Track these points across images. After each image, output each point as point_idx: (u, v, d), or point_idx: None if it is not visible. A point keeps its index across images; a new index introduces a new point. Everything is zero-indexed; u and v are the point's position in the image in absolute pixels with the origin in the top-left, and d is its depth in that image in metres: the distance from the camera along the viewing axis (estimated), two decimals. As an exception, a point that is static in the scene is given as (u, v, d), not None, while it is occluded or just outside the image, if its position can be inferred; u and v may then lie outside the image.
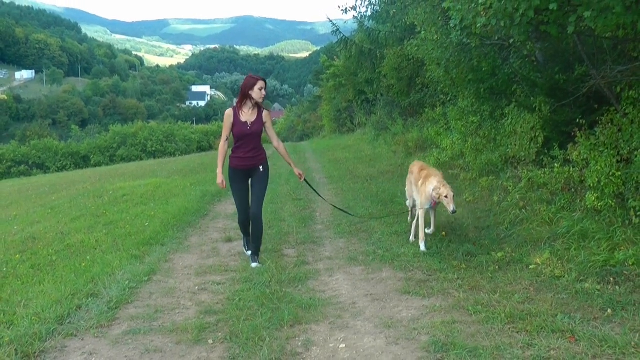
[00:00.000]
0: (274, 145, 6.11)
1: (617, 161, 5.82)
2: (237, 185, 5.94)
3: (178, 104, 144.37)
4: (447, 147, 10.89)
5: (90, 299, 4.90)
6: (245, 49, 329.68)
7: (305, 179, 6.33)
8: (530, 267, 5.16)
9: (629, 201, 5.42)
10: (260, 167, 5.94)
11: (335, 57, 30.48)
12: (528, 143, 7.81)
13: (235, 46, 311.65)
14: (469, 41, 7.87)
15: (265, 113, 5.90)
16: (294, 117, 61.27)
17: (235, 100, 6.03)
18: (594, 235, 5.37)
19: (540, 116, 7.66)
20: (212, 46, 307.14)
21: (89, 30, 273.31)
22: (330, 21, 20.20)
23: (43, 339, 4.02)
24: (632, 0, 4.45)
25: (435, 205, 6.09)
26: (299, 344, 3.86)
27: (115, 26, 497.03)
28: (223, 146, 5.97)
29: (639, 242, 4.97)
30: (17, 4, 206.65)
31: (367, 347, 3.76)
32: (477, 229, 6.87)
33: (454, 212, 5.75)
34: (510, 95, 8.62)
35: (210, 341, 3.96)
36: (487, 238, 6.37)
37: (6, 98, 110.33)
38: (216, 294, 5.05)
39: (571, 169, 6.54)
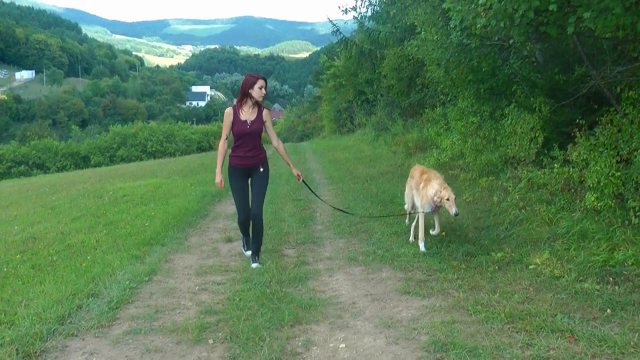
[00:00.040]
0: (274, 144, 6.07)
1: (617, 161, 5.83)
2: (236, 183, 5.90)
3: (178, 104, 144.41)
4: (447, 147, 10.90)
5: (90, 299, 4.91)
6: (245, 49, 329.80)
7: (303, 180, 6.31)
8: (530, 267, 5.17)
9: (629, 201, 5.42)
10: (260, 167, 5.91)
11: (335, 57, 30.50)
12: (528, 143, 7.82)
13: (235, 46, 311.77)
14: (469, 42, 7.89)
15: (265, 112, 5.88)
16: (294, 117, 61.33)
17: (235, 100, 6.01)
18: (593, 235, 5.38)
19: (540, 116, 7.67)
20: (212, 46, 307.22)
21: (89, 31, 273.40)
22: (331, 21, 20.20)
23: (44, 339, 4.03)
24: (631, 1, 4.46)
25: (437, 208, 6.06)
26: (299, 343, 3.87)
27: (115, 26, 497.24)
28: (223, 145, 5.96)
29: (639, 242, 4.98)
30: (17, 4, 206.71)
31: (367, 346, 3.77)
32: (476, 229, 6.88)
33: (456, 214, 5.74)
34: (510, 96, 8.63)
35: (211, 341, 3.97)
36: (486, 238, 6.38)
37: (6, 98, 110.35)
38: (216, 294, 5.06)
39: (571, 169, 6.55)
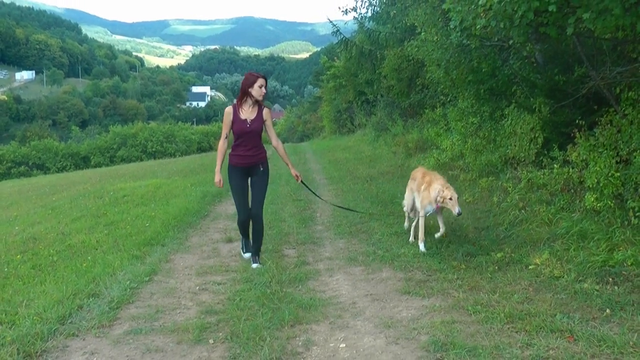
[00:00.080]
0: (273, 144, 6.04)
1: (616, 162, 5.84)
2: (236, 182, 5.85)
3: (178, 105, 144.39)
4: (447, 147, 10.91)
5: (91, 299, 4.92)
6: (245, 50, 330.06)
7: (302, 181, 6.29)
8: (530, 267, 5.18)
9: (628, 202, 5.44)
10: (260, 167, 5.88)
11: (335, 58, 30.53)
12: (528, 144, 7.84)
13: (235, 47, 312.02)
14: (468, 42, 7.90)
15: (265, 111, 5.84)
16: (294, 117, 61.38)
17: (235, 99, 6.00)
18: (593, 235, 5.40)
19: (539, 117, 7.68)
20: (213, 47, 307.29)
21: (89, 31, 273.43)
22: (331, 22, 20.21)
23: (45, 339, 4.04)
24: (630, 2, 4.47)
25: (439, 209, 6.03)
26: (300, 343, 3.88)
27: (115, 27, 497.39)
28: (222, 144, 5.92)
29: (638, 242, 4.99)
30: (17, 4, 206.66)
31: (367, 346, 3.78)
32: (476, 229, 6.90)
33: (459, 214, 5.72)
34: (510, 96, 8.64)
35: (211, 341, 3.98)
36: (486, 238, 6.39)
37: (6, 99, 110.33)
38: (217, 294, 5.07)
39: (570, 169, 6.56)
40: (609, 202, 5.61)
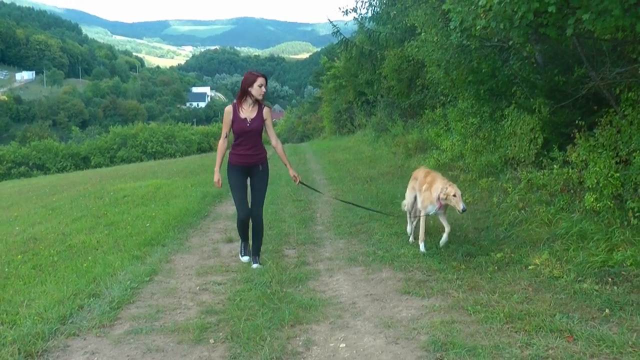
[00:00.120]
0: (272, 144, 5.99)
1: (616, 162, 5.86)
2: (235, 180, 5.80)
3: (178, 105, 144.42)
4: (447, 148, 10.92)
5: (92, 299, 4.93)
6: (245, 50, 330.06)
7: (301, 181, 6.19)
8: (529, 267, 5.19)
9: (628, 202, 5.45)
10: (260, 166, 5.84)
11: (335, 58, 30.56)
12: (527, 144, 7.85)
13: (235, 47, 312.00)
14: (468, 43, 7.92)
15: (265, 110, 5.77)
16: (294, 118, 61.37)
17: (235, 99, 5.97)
18: (592, 236, 5.41)
19: (539, 117, 7.70)
20: (213, 47, 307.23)
21: (89, 31, 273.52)
22: (331, 22, 20.23)
23: (46, 339, 4.05)
24: (630, 2, 4.48)
25: (442, 207, 5.97)
26: (300, 343, 3.89)
27: (115, 27, 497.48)
28: (222, 144, 5.88)
29: (637, 242, 5.01)
30: (17, 4, 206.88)
31: (367, 346, 3.79)
32: (476, 229, 6.91)
33: (464, 210, 5.67)
34: (510, 97, 8.65)
35: (212, 341, 3.99)
36: (486, 239, 6.40)
37: (6, 99, 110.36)
38: (217, 294, 5.08)
39: (570, 170, 6.57)
40: (609, 203, 5.62)
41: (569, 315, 4.01)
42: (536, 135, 7.72)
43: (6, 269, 7.08)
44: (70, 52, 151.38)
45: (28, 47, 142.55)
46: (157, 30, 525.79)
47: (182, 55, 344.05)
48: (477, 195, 8.24)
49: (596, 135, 6.31)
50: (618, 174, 5.65)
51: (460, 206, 5.64)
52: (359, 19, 19.43)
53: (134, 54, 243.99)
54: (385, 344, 3.80)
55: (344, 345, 3.83)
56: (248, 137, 5.72)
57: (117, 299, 4.89)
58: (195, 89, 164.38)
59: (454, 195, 5.70)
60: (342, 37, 20.19)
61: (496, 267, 5.33)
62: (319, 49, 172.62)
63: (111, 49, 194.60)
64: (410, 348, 3.71)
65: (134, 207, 10.52)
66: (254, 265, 5.85)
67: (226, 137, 5.85)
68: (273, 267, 5.67)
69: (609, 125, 6.22)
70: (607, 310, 4.05)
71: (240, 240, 6.31)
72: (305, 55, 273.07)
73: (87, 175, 26.68)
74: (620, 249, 5.03)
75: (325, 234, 7.43)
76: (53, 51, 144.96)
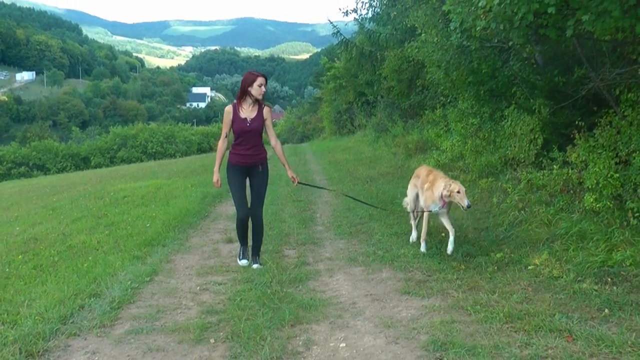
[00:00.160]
0: (272, 144, 5.96)
1: (616, 163, 5.87)
2: (234, 178, 5.77)
3: (178, 106, 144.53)
4: (447, 148, 10.93)
5: (92, 299, 4.94)
6: (245, 51, 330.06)
7: (300, 181, 6.16)
8: (529, 267, 5.20)
9: (627, 202, 5.46)
10: (259, 167, 5.82)
11: (335, 58, 30.57)
12: (527, 145, 7.86)
13: (235, 48, 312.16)
14: (469, 44, 7.94)
15: (266, 110, 5.75)
16: (294, 118, 61.34)
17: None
18: (592, 236, 5.42)
19: (539, 118, 7.71)
20: (213, 48, 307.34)
21: (89, 32, 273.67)
22: (331, 23, 20.26)
23: (46, 339, 4.05)
24: (629, 3, 4.49)
25: (445, 205, 5.87)
26: (300, 343, 3.90)
27: (116, 27, 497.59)
28: (222, 144, 5.85)
29: (637, 243, 5.01)
30: (18, 5, 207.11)
31: (367, 346, 3.80)
32: (476, 230, 6.92)
33: (469, 206, 5.58)
34: (510, 97, 8.66)
35: (212, 340, 4.00)
36: (486, 239, 6.41)
37: (7, 99, 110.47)
38: (217, 294, 5.09)
39: (570, 170, 6.58)
40: (608, 203, 5.63)
41: (569, 315, 4.02)
42: (536, 136, 7.73)
43: (7, 269, 7.10)
44: (70, 53, 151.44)
45: (28, 48, 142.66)
46: (157, 30, 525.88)
47: (182, 55, 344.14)
48: (477, 195, 8.25)
49: (596, 135, 6.32)
50: (618, 175, 5.66)
51: (464, 202, 5.55)
52: (359, 20, 19.46)
53: (134, 54, 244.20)
54: (385, 344, 3.81)
55: (344, 345, 3.84)
56: (248, 137, 5.70)
57: (117, 299, 4.89)
58: (195, 90, 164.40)
59: (458, 192, 5.61)
60: (342, 37, 20.22)
61: (496, 267, 5.34)
62: (319, 50, 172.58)
63: (111, 49, 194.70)
64: (410, 348, 3.72)
65: (134, 208, 10.53)
66: (254, 266, 5.85)
67: (226, 137, 5.83)
68: (273, 267, 5.67)
69: (608, 126, 6.23)
70: (606, 310, 4.06)
71: (239, 246, 6.21)
72: (305, 56, 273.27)
73: (87, 175, 26.70)
74: (620, 249, 5.04)
75: (325, 234, 7.44)
76: (53, 51, 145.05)
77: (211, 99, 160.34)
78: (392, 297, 4.78)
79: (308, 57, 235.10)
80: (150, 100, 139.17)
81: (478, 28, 5.68)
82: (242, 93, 5.70)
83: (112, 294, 5.02)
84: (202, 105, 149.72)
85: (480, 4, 5.32)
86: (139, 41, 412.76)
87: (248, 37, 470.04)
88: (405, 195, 6.90)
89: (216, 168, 5.85)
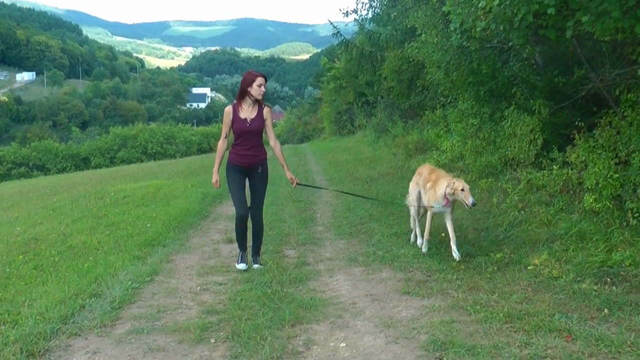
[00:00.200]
0: (271, 144, 5.91)
1: (615, 163, 5.87)
2: (233, 177, 5.73)
3: (178, 106, 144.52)
4: (447, 149, 10.94)
5: (93, 299, 4.95)
6: (245, 51, 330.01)
7: (299, 182, 6.09)
8: (529, 267, 5.21)
9: (627, 203, 5.47)
10: (259, 168, 5.79)
11: (335, 59, 30.60)
12: (527, 145, 7.87)
13: (235, 48, 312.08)
14: (468, 44, 7.95)
15: (266, 110, 5.72)
16: (294, 119, 61.34)
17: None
18: (591, 236, 5.43)
19: (539, 118, 7.72)
20: (213, 48, 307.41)
21: (89, 32, 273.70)
22: (331, 23, 20.27)
23: (47, 338, 4.06)
24: (629, 4, 4.50)
25: (449, 203, 5.78)
26: (300, 342, 3.91)
27: (116, 28, 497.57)
28: (222, 144, 5.84)
29: (636, 243, 5.02)
30: (18, 5, 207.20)
31: (367, 346, 3.81)
32: (476, 230, 6.93)
33: (473, 204, 5.51)
34: (510, 98, 8.67)
35: (213, 340, 4.01)
36: (486, 239, 6.42)
37: (7, 100, 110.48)
38: (218, 294, 5.10)
39: (570, 171, 6.59)
40: (608, 203, 5.64)
41: (568, 315, 4.03)
42: (536, 136, 7.74)
43: (7, 269, 7.12)
44: (70, 53, 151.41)
45: (28, 48, 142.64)
46: (157, 31, 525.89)
47: (182, 56, 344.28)
48: (477, 195, 8.23)
49: (596, 136, 6.33)
50: (617, 175, 5.66)
51: (469, 200, 5.49)
52: (360, 20, 19.47)
53: (134, 54, 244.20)
54: (385, 344, 3.82)
55: (344, 344, 3.85)
56: (248, 138, 5.68)
57: (118, 298, 4.90)
58: (195, 90, 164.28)
59: (462, 190, 5.54)
60: (342, 38, 20.22)
61: (496, 268, 5.35)
62: (319, 50, 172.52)
63: (111, 49, 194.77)
64: (410, 347, 3.73)
65: (135, 208, 10.55)
66: (255, 266, 5.86)
67: (226, 137, 5.81)
68: (273, 268, 5.69)
69: (608, 126, 6.24)
70: (605, 310, 4.07)
71: (238, 248, 6.05)
72: (305, 56, 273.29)
73: (87, 175, 26.71)
74: (619, 249, 5.05)
75: (325, 234, 7.45)
76: (53, 52, 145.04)
77: (211, 99, 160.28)
78: (392, 297, 4.79)
79: (308, 57, 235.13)
80: (150, 101, 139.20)
81: (478, 29, 5.69)
82: (242, 93, 5.68)
83: (113, 294, 5.03)
84: (202, 105, 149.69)
85: (480, 5, 5.33)
86: (139, 42, 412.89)
87: (248, 38, 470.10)
88: (408, 193, 6.85)
89: (215, 169, 5.83)
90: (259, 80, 5.61)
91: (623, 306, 4.11)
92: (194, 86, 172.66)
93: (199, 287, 5.31)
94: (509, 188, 7.54)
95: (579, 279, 4.77)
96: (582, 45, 7.03)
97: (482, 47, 8.44)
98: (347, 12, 19.05)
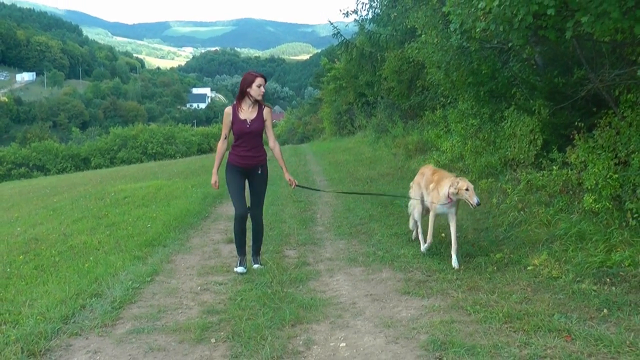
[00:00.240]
0: (270, 145, 5.87)
1: (615, 164, 5.88)
2: (232, 177, 5.71)
3: (178, 106, 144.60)
4: (446, 149, 10.95)
5: (94, 299, 4.96)
6: (246, 52, 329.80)
7: (297, 184, 6.01)
8: (528, 268, 5.22)
9: (626, 203, 5.47)
10: (259, 169, 5.75)
11: (335, 59, 30.59)
12: (527, 146, 7.88)
13: (236, 48, 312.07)
14: (468, 45, 7.96)
15: (266, 111, 5.68)
16: (294, 119, 61.34)
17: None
18: (591, 236, 5.44)
19: (539, 119, 7.72)
20: (213, 48, 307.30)
21: (90, 33, 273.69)
22: (331, 24, 20.27)
23: (48, 338, 4.07)
24: (628, 5, 4.51)
25: (452, 203, 5.68)
26: (300, 342, 3.92)
27: (116, 28, 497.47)
28: (222, 145, 5.81)
29: (636, 243, 5.03)
30: (18, 6, 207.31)
31: (367, 345, 3.82)
32: (476, 230, 6.94)
33: (478, 203, 5.42)
34: (510, 98, 8.68)
35: (213, 340, 4.02)
36: (485, 239, 6.43)
37: (7, 100, 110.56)
38: (218, 294, 5.11)
39: (569, 171, 6.60)
40: (607, 204, 5.65)
41: (568, 315, 4.04)
42: (536, 137, 7.74)
43: (8, 269, 7.13)
44: (70, 54, 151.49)
45: (28, 49, 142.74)
46: (157, 31, 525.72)
47: (182, 56, 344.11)
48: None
49: (595, 136, 6.33)
50: (617, 175, 5.67)
51: (474, 200, 5.40)
52: (360, 21, 19.47)
53: (135, 55, 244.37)
54: (385, 344, 3.83)
55: (344, 344, 3.86)
56: (248, 139, 5.64)
57: (119, 298, 4.92)
58: (195, 90, 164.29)
59: (467, 189, 5.44)
60: (342, 38, 20.22)
61: (495, 268, 5.36)
62: (319, 51, 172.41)
63: (111, 50, 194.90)
64: (409, 347, 3.74)
65: (135, 208, 10.56)
66: (255, 266, 5.87)
67: (225, 138, 5.79)
68: (274, 268, 5.70)
69: (608, 127, 6.25)
70: (605, 310, 4.08)
71: (237, 255, 5.90)
72: (305, 57, 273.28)
73: (87, 176, 26.71)
74: (619, 249, 5.06)
75: (325, 234, 7.46)
76: (53, 52, 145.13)
77: (211, 99, 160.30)
78: (392, 297, 4.80)
79: (308, 57, 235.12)
80: (150, 101, 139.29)
81: (478, 29, 5.70)
82: (241, 94, 5.65)
83: (114, 294, 5.04)
84: (202, 106, 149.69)
85: (480, 6, 5.34)
86: (139, 42, 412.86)
87: (248, 38, 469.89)
88: (409, 194, 6.71)
89: (215, 169, 5.81)
90: (258, 80, 5.58)
91: (622, 306, 4.12)
92: (194, 86, 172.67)
93: (199, 287, 5.32)
94: (509, 188, 7.55)
95: (578, 279, 4.78)
96: (582, 46, 7.04)
97: (482, 47, 8.45)
98: (347, 12, 19.06)
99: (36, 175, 42.87)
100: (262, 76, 5.68)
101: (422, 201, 6.32)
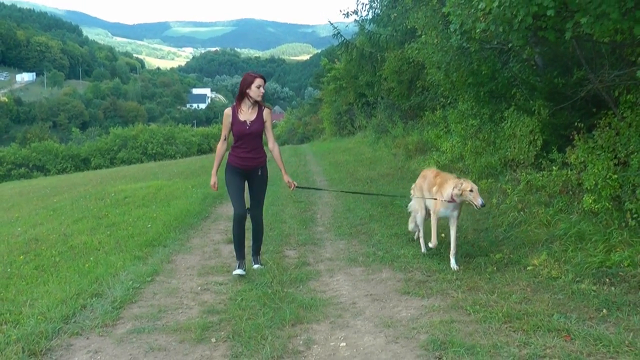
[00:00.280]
0: (269, 146, 5.84)
1: (614, 164, 5.89)
2: (232, 178, 5.68)
3: (178, 107, 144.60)
4: (446, 149, 10.97)
5: (94, 299, 4.97)
6: (246, 52, 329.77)
7: (296, 185, 5.92)
8: (528, 268, 5.23)
9: (626, 204, 5.48)
10: (259, 171, 5.72)
11: (336, 60, 30.61)
12: (527, 146, 7.89)
13: (236, 49, 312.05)
14: (468, 45, 7.97)
15: (266, 112, 5.64)
16: (294, 119, 61.34)
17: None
18: (590, 237, 5.45)
19: (539, 119, 7.74)
20: (213, 49, 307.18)
21: (90, 33, 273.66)
22: (332, 24, 20.29)
23: (49, 338, 4.08)
24: (627, 6, 4.52)
25: (455, 205, 5.63)
26: (300, 342, 3.93)
27: (116, 29, 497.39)
28: (221, 146, 5.78)
29: (635, 243, 5.04)
30: (18, 6, 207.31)
31: (367, 345, 3.83)
32: (475, 230, 6.95)
33: (482, 204, 5.33)
34: (510, 99, 8.70)
35: (213, 340, 4.03)
36: (485, 240, 6.44)
37: (7, 100, 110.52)
38: (218, 294, 5.12)
39: (569, 171, 6.61)
40: (607, 204, 5.66)
41: (567, 315, 4.05)
42: (535, 137, 7.76)
43: (9, 270, 7.13)
44: (70, 54, 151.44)
45: (28, 49, 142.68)
46: (157, 31, 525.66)
47: (182, 56, 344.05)
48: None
49: (595, 137, 6.34)
50: (616, 176, 5.68)
51: (478, 201, 5.31)
52: (360, 21, 19.50)
53: (135, 55, 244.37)
54: (385, 343, 3.84)
55: (344, 344, 3.87)
56: (248, 140, 5.61)
57: (119, 298, 4.92)
58: (195, 91, 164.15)
59: (471, 190, 5.37)
60: (342, 39, 20.25)
61: (495, 268, 5.37)
62: (319, 51, 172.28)
63: (111, 50, 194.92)
64: (409, 347, 3.75)
65: (135, 208, 10.56)
66: (255, 266, 5.87)
67: (225, 139, 5.76)
68: (274, 268, 5.71)
69: (607, 127, 6.26)
70: (604, 311, 4.09)
71: (235, 255, 5.83)
72: (305, 57, 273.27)
73: (87, 176, 26.72)
74: (618, 250, 5.06)
75: (325, 234, 7.47)
76: (53, 53, 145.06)
77: (211, 100, 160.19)
78: (392, 297, 4.81)
79: (308, 58, 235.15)
80: (150, 102, 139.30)
81: (478, 30, 5.71)
82: (241, 95, 5.62)
83: (114, 294, 5.05)
84: (202, 106, 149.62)
85: (479, 7, 5.35)
86: (139, 42, 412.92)
87: (248, 38, 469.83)
88: (410, 195, 6.71)
89: (214, 170, 5.78)
90: (258, 81, 5.55)
91: (621, 306, 4.14)
92: (194, 87, 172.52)
93: (199, 287, 5.33)
94: (509, 189, 7.56)
95: (577, 279, 4.79)
96: (582, 47, 7.05)
97: (482, 48, 8.46)
98: (347, 13, 19.07)
99: (36, 175, 42.89)
100: (262, 77, 5.63)
101: (425, 205, 6.26)
